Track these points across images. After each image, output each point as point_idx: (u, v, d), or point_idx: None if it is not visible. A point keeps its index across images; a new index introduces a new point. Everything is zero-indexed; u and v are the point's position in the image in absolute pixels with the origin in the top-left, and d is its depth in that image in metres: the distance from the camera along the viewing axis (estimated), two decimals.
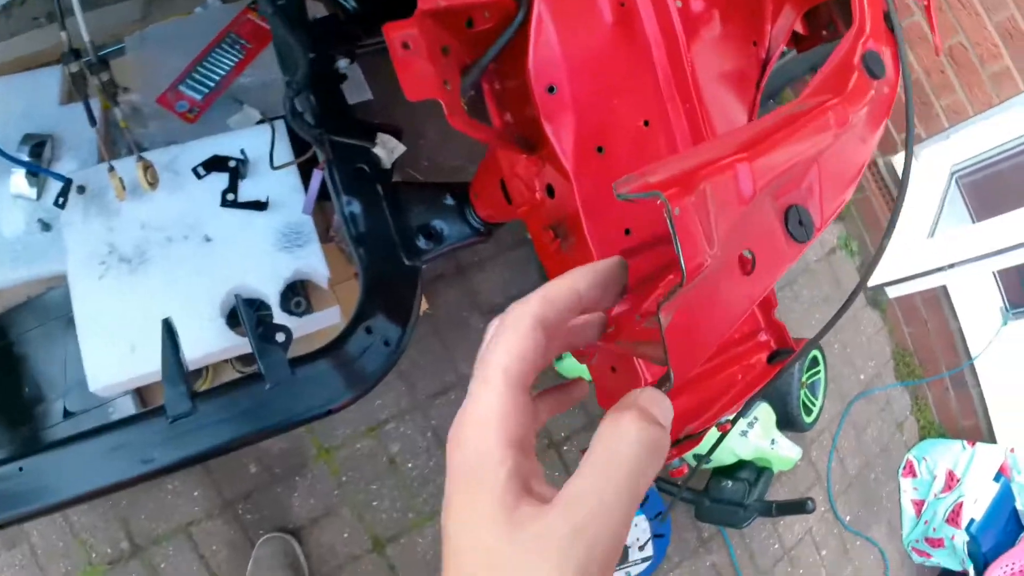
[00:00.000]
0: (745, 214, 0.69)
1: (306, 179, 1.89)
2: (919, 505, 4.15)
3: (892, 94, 1.03)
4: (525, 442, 0.56)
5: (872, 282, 4.07)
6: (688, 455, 3.16)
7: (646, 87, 1.14)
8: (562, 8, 1.09)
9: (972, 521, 3.85)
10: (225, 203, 1.93)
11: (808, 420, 3.56)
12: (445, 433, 0.66)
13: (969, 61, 3.57)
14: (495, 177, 1.42)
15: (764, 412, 3.33)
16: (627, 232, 1.10)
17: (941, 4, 3.48)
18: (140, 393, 2.11)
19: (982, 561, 3.86)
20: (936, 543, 4.00)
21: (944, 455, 4.15)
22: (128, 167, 1.83)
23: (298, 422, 1.58)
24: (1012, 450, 4.10)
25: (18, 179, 1.88)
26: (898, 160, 4.05)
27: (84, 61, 1.79)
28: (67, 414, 2.06)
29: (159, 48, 2.25)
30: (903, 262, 3.87)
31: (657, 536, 3.13)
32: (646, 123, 1.14)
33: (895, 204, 1.00)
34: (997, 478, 3.99)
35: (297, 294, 1.96)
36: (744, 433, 3.20)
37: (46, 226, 1.92)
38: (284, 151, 1.97)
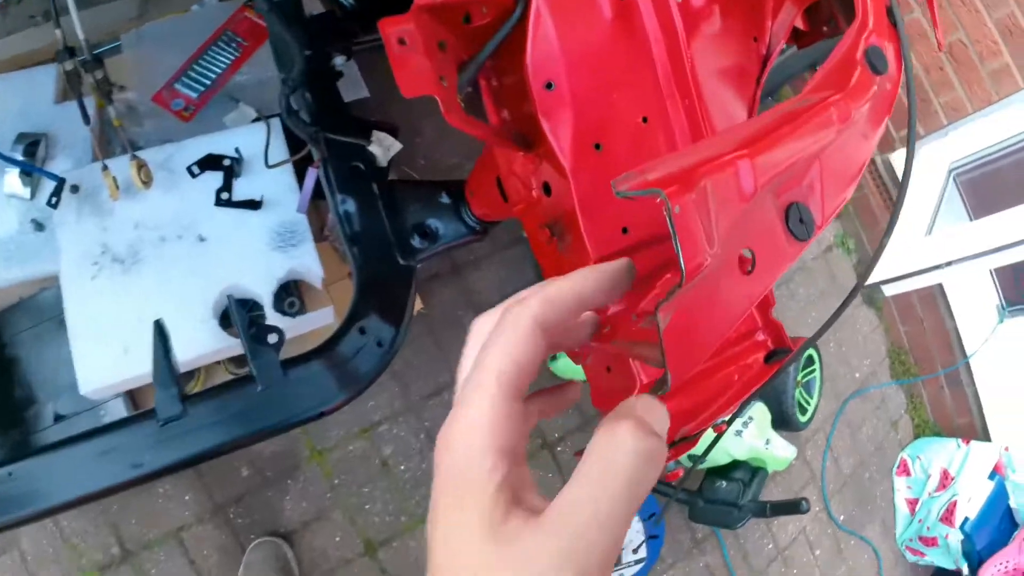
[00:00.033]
0: (746, 212, 0.68)
1: (301, 177, 1.88)
2: (913, 504, 4.16)
3: (894, 90, 1.01)
4: (517, 450, 0.54)
5: (868, 280, 4.07)
6: (683, 456, 3.16)
7: (645, 83, 1.13)
8: (561, 3, 1.07)
9: (966, 520, 3.86)
10: (219, 202, 1.91)
11: (803, 419, 3.56)
12: None
13: (968, 58, 3.56)
14: (491, 175, 1.40)
15: (759, 411, 3.33)
16: (624, 231, 1.08)
17: (941, 1, 3.48)
18: (132, 395, 2.10)
19: (976, 560, 3.87)
20: (930, 542, 4.01)
21: (938, 454, 4.16)
22: (122, 166, 1.82)
23: (290, 425, 1.57)
24: (1007, 448, 4.10)
25: (12, 178, 1.86)
26: (896, 158, 4.05)
27: (79, 59, 1.78)
28: (58, 417, 2.05)
29: (155, 46, 2.23)
30: (900, 260, 3.87)
31: (651, 537, 3.13)
32: (645, 120, 1.13)
33: (896, 203, 0.99)
34: (991, 476, 4.00)
35: (291, 294, 1.95)
36: (739, 433, 3.20)
37: (39, 226, 1.90)
38: (279, 149, 1.96)
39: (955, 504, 3.89)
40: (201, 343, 1.83)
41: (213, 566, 2.50)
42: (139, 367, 1.75)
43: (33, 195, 1.89)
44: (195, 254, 1.88)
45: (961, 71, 3.63)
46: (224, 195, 1.91)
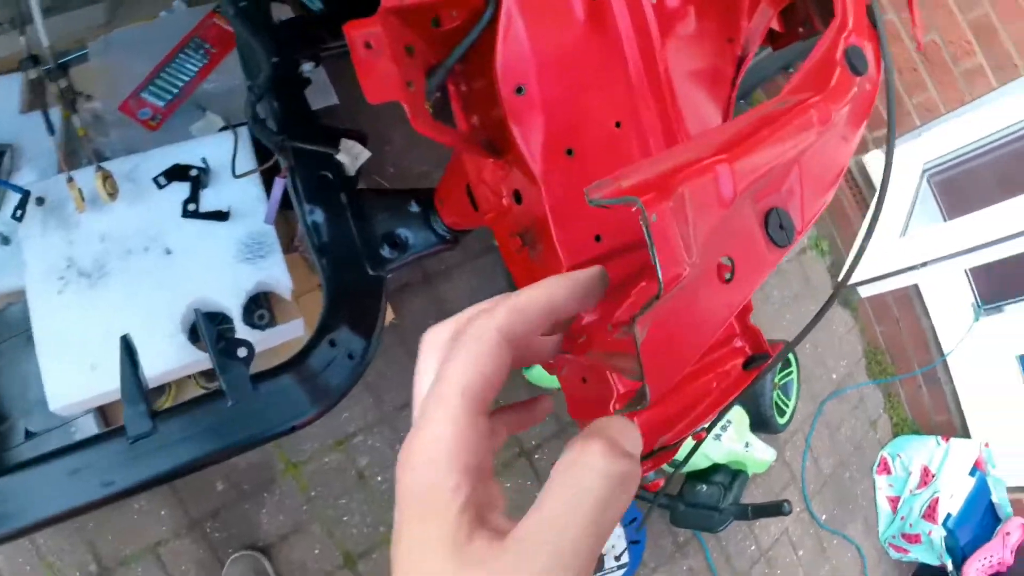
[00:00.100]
0: (724, 219, 0.65)
1: (269, 187, 1.85)
2: (895, 502, 4.17)
3: (874, 91, 1.00)
4: (482, 468, 0.51)
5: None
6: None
7: (618, 87, 1.10)
8: (532, 4, 1.05)
9: (949, 516, 3.89)
10: (186, 213, 1.89)
11: (781, 421, 3.57)
12: None
13: (942, 59, 3.58)
14: (461, 183, 1.38)
15: (737, 415, 3.33)
16: (597, 238, 1.06)
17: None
18: (103, 411, 2.06)
19: (960, 555, 3.91)
20: (913, 539, 4.03)
21: (919, 451, 4.19)
22: (88, 177, 1.79)
23: (261, 440, 1.54)
24: (987, 444, 4.13)
25: None
26: (870, 159, 4.06)
27: (43, 68, 1.75)
28: (29, 434, 2.01)
29: (123, 54, 2.21)
30: (875, 261, 3.87)
31: (632, 543, 3.11)
32: (618, 124, 1.10)
33: (876, 205, 0.97)
34: (972, 472, 4.04)
35: (260, 306, 1.92)
36: (718, 437, 3.20)
37: (5, 240, 1.87)
38: (247, 159, 1.93)
39: (937, 501, 3.91)
40: (170, 358, 1.81)
41: None
42: (108, 383, 1.73)
43: None
44: (162, 267, 1.85)
45: (934, 72, 3.64)
46: (191, 206, 1.89)
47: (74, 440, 1.54)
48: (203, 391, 2.17)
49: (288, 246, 2.09)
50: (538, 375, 2.83)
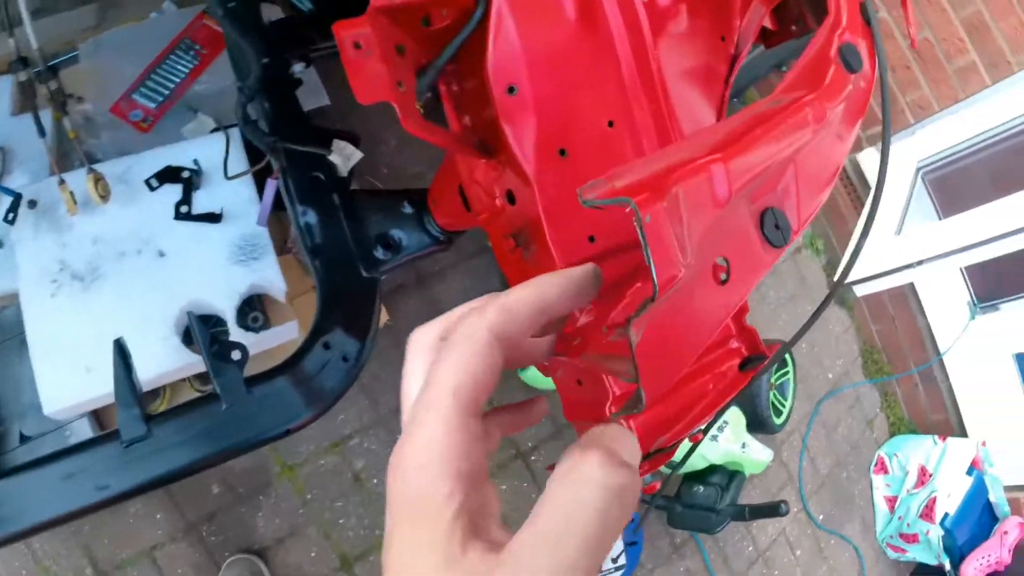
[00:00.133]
0: (719, 219, 0.65)
1: (261, 189, 1.84)
2: (892, 501, 4.17)
3: (869, 89, 0.99)
4: (476, 474, 0.49)
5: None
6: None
7: (610, 86, 1.10)
8: (522, 4, 1.04)
9: (946, 515, 3.89)
10: (179, 216, 1.88)
11: (778, 422, 3.57)
12: None
13: (935, 56, 3.58)
14: (453, 183, 1.37)
15: (734, 416, 3.33)
16: (591, 239, 1.05)
17: None
18: (97, 415, 2.06)
19: (958, 554, 3.92)
20: (911, 538, 4.03)
21: (916, 451, 4.19)
22: (79, 180, 1.78)
23: (256, 443, 1.53)
24: (984, 443, 4.14)
25: None
26: (864, 157, 4.06)
27: (32, 70, 1.74)
28: (23, 439, 2.00)
29: (113, 55, 2.20)
30: (870, 260, 3.88)
31: (630, 544, 3.11)
32: (611, 124, 1.09)
33: (872, 203, 0.97)
34: (970, 472, 4.04)
35: (254, 309, 1.92)
36: (714, 437, 3.20)
37: None
38: (239, 160, 1.92)
39: (935, 500, 3.91)
40: (164, 361, 1.80)
41: None
42: (102, 386, 1.71)
43: None
44: (155, 270, 1.84)
45: (928, 69, 3.65)
46: (183, 208, 1.88)
47: (69, 444, 1.53)
48: (198, 394, 2.16)
49: (282, 248, 2.08)
50: (534, 376, 2.82)
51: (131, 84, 2.14)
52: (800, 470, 3.93)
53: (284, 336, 2.02)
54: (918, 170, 4.02)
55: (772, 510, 2.91)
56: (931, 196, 4.10)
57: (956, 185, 4.05)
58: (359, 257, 1.70)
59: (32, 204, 1.83)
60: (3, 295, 1.90)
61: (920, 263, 3.69)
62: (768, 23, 1.36)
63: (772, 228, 0.75)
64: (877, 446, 4.36)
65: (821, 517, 3.98)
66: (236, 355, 1.51)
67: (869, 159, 4.06)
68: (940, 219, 4.05)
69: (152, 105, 2.13)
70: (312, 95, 2.47)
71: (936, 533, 3.87)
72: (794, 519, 3.88)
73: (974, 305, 4.14)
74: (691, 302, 0.64)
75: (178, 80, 2.17)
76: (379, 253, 1.72)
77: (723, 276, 0.68)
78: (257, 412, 1.53)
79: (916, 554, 4.10)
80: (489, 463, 0.53)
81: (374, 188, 2.74)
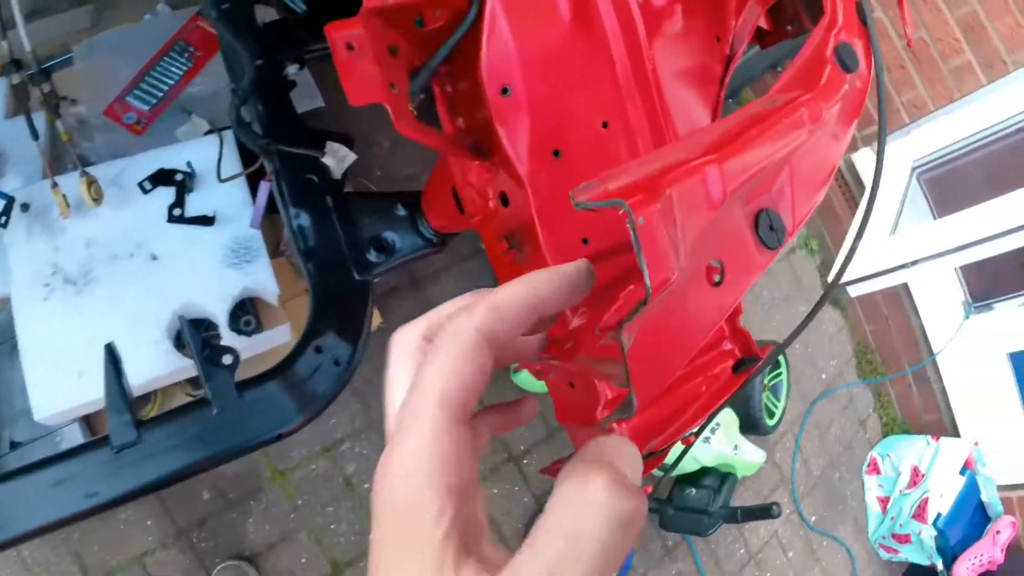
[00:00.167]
0: (714, 221, 0.64)
1: (255, 191, 1.84)
2: (884, 502, 4.18)
3: (865, 88, 0.99)
4: (466, 486, 0.46)
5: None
6: None
7: (605, 86, 1.09)
8: (517, 4, 1.03)
9: (939, 515, 3.90)
10: (172, 219, 1.87)
11: (771, 423, 3.57)
12: None
13: (930, 56, 3.58)
14: (447, 185, 1.37)
15: (727, 417, 3.32)
16: (585, 241, 1.05)
17: None
18: (88, 420, 2.05)
19: (950, 554, 3.92)
20: (903, 539, 4.04)
21: (908, 451, 4.19)
22: (72, 183, 1.77)
23: (248, 448, 1.52)
24: (976, 443, 4.14)
25: None
26: (859, 157, 4.07)
27: (26, 72, 1.74)
28: (14, 445, 2.00)
29: (107, 57, 2.19)
30: (864, 260, 3.88)
31: None
32: (605, 124, 1.09)
33: (868, 203, 0.96)
34: (962, 472, 4.05)
35: (246, 312, 1.91)
36: (707, 439, 3.19)
37: None
38: (232, 162, 1.92)
39: (927, 500, 3.91)
40: (155, 365, 1.79)
41: None
42: (93, 392, 1.70)
43: None
44: (148, 273, 1.83)
45: (923, 69, 3.65)
46: (176, 211, 1.87)
47: (60, 450, 1.52)
48: (190, 399, 2.16)
49: (274, 250, 2.07)
50: (526, 379, 2.81)
51: (125, 86, 2.13)
52: (793, 471, 3.93)
53: (276, 340, 2.01)
54: (913, 170, 4.02)
55: (764, 512, 2.90)
56: (926, 196, 4.10)
57: (951, 185, 4.05)
58: (352, 260, 1.69)
59: (25, 207, 1.82)
60: None
61: (914, 263, 3.69)
62: (763, 23, 1.36)
63: (767, 229, 0.75)
64: (870, 446, 4.37)
65: (813, 518, 3.98)
66: (227, 359, 1.50)
67: (864, 159, 4.06)
68: (935, 219, 4.05)
69: (146, 107, 2.13)
70: (306, 97, 2.46)
71: (928, 533, 3.88)
72: (787, 520, 3.88)
73: (968, 305, 4.14)
74: (684, 305, 0.63)
75: (172, 82, 2.16)
76: (372, 256, 1.72)
77: (717, 278, 0.67)
78: (248, 417, 1.52)
79: (909, 554, 4.10)
80: (479, 466, 0.51)
81: (368, 190, 2.74)
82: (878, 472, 4.26)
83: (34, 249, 1.82)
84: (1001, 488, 4.16)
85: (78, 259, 1.82)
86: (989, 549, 3.93)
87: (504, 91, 1.04)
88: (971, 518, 4.04)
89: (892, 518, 4.10)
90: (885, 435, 4.46)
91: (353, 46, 0.98)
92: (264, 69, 1.67)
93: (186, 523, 2.47)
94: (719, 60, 1.26)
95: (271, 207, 1.77)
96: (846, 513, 4.16)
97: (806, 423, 4.04)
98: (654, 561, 3.37)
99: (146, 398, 2.14)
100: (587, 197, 0.54)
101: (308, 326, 1.63)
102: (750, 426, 3.46)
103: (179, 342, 1.80)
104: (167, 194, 1.89)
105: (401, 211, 1.75)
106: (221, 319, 1.83)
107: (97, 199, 1.77)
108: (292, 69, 1.86)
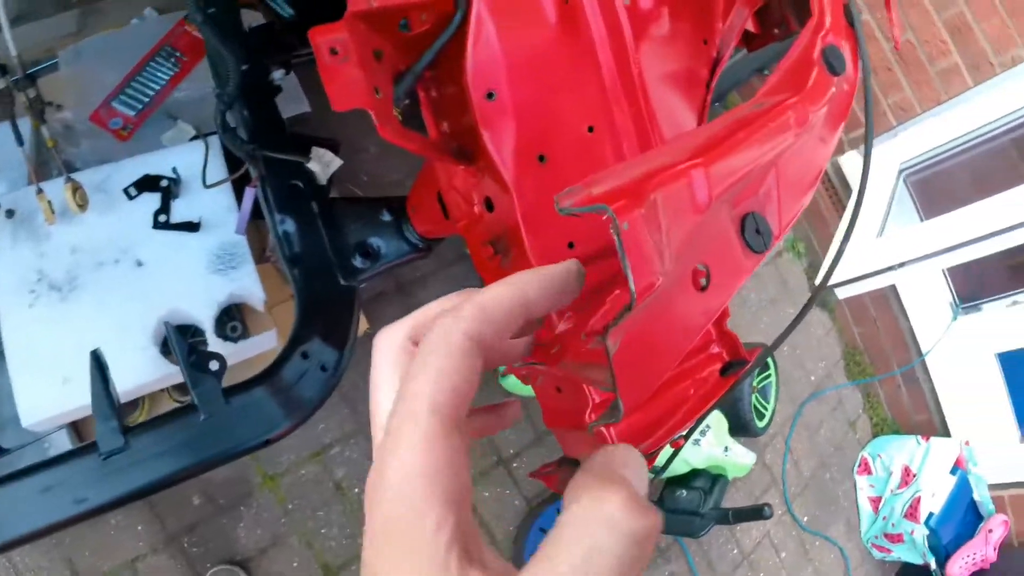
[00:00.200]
0: (699, 225, 0.64)
1: (241, 197, 1.83)
2: (876, 502, 4.18)
3: (852, 91, 0.98)
4: (464, 493, 0.44)
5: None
6: None
7: (591, 90, 1.09)
8: (503, 8, 1.03)
9: (931, 515, 3.91)
10: (157, 225, 1.87)
11: (761, 425, 3.56)
12: None
13: (917, 58, 3.59)
14: (432, 190, 1.36)
15: (716, 419, 3.32)
16: (571, 245, 1.04)
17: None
18: (76, 427, 2.04)
19: (943, 553, 3.93)
20: (896, 538, 4.04)
21: (899, 451, 4.20)
22: (57, 189, 1.77)
23: (236, 454, 1.52)
24: (967, 443, 4.15)
25: None
26: (845, 160, 4.07)
27: (11, 77, 1.73)
28: (1, 451, 1.99)
29: (93, 62, 2.19)
30: (852, 262, 3.88)
31: None
32: (591, 129, 1.08)
33: (855, 207, 0.96)
34: (953, 471, 4.06)
35: (233, 318, 1.90)
36: (697, 442, 3.19)
37: None
38: (218, 168, 1.91)
39: (919, 500, 3.92)
40: (142, 372, 1.79)
41: None
42: (80, 398, 1.70)
43: None
44: (133, 279, 1.83)
45: (910, 71, 3.65)
46: (162, 217, 1.87)
47: (48, 456, 1.51)
48: (177, 405, 2.15)
49: (260, 256, 2.07)
50: (514, 383, 2.81)
51: (111, 92, 2.12)
52: (784, 472, 3.93)
53: (263, 345, 2.01)
54: (900, 172, 4.03)
55: (756, 513, 2.90)
56: (913, 198, 4.11)
57: (938, 187, 4.06)
58: (338, 266, 1.69)
59: (10, 213, 1.82)
60: None
61: (902, 265, 3.70)
62: (750, 26, 1.35)
63: (753, 233, 0.74)
64: (860, 447, 4.37)
65: (805, 519, 3.98)
66: (214, 365, 1.49)
67: (851, 162, 4.07)
68: (922, 221, 4.06)
69: (132, 113, 2.12)
70: (292, 102, 2.46)
71: (921, 533, 3.88)
72: (779, 521, 3.88)
73: (956, 306, 4.15)
74: (670, 309, 0.63)
75: (158, 87, 2.15)
76: (358, 261, 1.71)
77: (703, 282, 0.67)
78: (236, 423, 1.52)
79: (901, 554, 4.11)
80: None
81: (354, 195, 2.73)
82: (869, 472, 4.27)
83: (19, 255, 1.81)
84: (992, 487, 4.17)
85: (63, 265, 1.82)
86: (982, 548, 3.94)
87: (489, 95, 1.03)
88: (963, 517, 4.05)
89: (884, 518, 4.11)
90: (875, 435, 4.46)
91: (337, 50, 0.97)
92: (250, 74, 1.67)
93: (177, 528, 2.46)
94: (706, 63, 1.26)
95: (256, 213, 1.77)
96: (838, 513, 4.16)
97: (796, 424, 4.04)
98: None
99: (134, 404, 2.13)
100: (571, 202, 0.53)
101: (294, 332, 1.63)
102: (740, 428, 3.46)
103: (165, 348, 1.80)
104: (152, 200, 1.89)
105: (387, 216, 1.75)
106: (207, 325, 1.83)
107: (82, 205, 1.76)
108: (278, 74, 1.86)
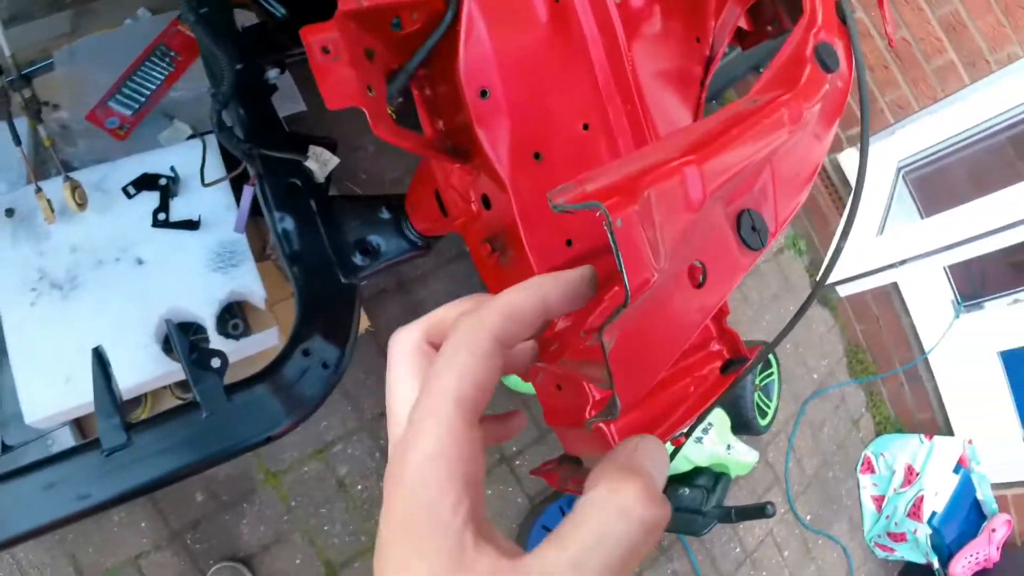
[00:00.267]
0: (694, 222, 0.64)
1: (239, 195, 1.83)
2: (879, 501, 4.18)
3: (846, 88, 0.98)
4: (479, 481, 0.48)
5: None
6: None
7: (584, 88, 1.09)
8: (493, 7, 1.03)
9: (934, 514, 3.90)
10: (156, 223, 1.87)
11: (763, 423, 3.56)
12: None
13: (913, 56, 3.59)
14: (429, 188, 1.36)
15: (718, 417, 3.31)
16: (568, 243, 1.05)
17: None
18: (79, 424, 2.04)
19: (946, 552, 3.92)
20: (899, 537, 4.03)
21: (902, 450, 4.19)
22: (56, 188, 1.77)
23: (237, 451, 1.52)
24: (970, 441, 4.15)
25: None
26: (844, 158, 4.07)
27: (6, 78, 1.73)
28: (5, 448, 1.99)
29: (88, 62, 2.19)
30: (853, 261, 3.88)
31: None
32: (586, 126, 1.09)
33: (852, 203, 0.96)
34: (956, 470, 4.05)
35: (234, 316, 1.91)
36: (699, 440, 3.18)
37: None
38: (216, 167, 1.92)
39: (922, 499, 3.91)
40: (144, 369, 1.79)
41: None
42: (83, 395, 1.71)
43: None
44: (134, 277, 1.83)
45: (906, 69, 3.65)
46: (161, 216, 1.87)
47: (51, 453, 1.52)
48: (179, 402, 2.15)
49: (261, 254, 2.07)
50: (516, 381, 2.81)
51: (107, 91, 2.12)
52: (786, 471, 3.93)
53: (264, 343, 2.01)
54: (899, 170, 4.03)
55: (759, 511, 2.89)
56: (913, 196, 4.11)
57: (937, 184, 4.06)
58: (337, 263, 1.69)
59: (9, 213, 1.82)
60: None
61: (903, 263, 3.69)
62: (743, 24, 1.35)
63: (749, 230, 0.74)
64: (863, 446, 4.37)
65: (808, 517, 3.98)
66: (215, 363, 1.49)
67: (850, 159, 4.06)
68: (922, 218, 4.06)
69: (128, 112, 2.12)
70: (288, 101, 2.46)
71: (924, 532, 3.87)
72: (781, 520, 3.87)
73: (958, 304, 4.15)
74: (667, 306, 0.63)
75: (154, 87, 2.15)
76: (357, 259, 1.71)
77: (699, 279, 0.67)
78: (237, 420, 1.52)
79: (904, 553, 4.10)
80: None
81: (353, 193, 2.73)
82: (872, 471, 4.26)
83: (20, 255, 1.82)
84: (995, 486, 4.16)
85: (64, 264, 1.83)
86: (985, 547, 3.94)
87: (483, 94, 1.03)
88: (966, 516, 4.04)
89: (887, 517, 4.10)
90: (878, 434, 4.46)
91: (329, 49, 0.97)
92: (244, 73, 1.66)
93: (180, 525, 2.47)
94: (699, 61, 1.26)
95: (256, 210, 1.76)
96: (841, 512, 4.16)
97: (799, 423, 4.03)
98: (649, 560, 3.36)
99: (136, 401, 2.13)
100: (565, 199, 0.53)
101: (295, 329, 1.63)
102: (742, 426, 3.45)
103: (167, 346, 1.80)
104: (151, 199, 1.89)
105: (385, 214, 1.75)
106: (209, 323, 1.84)
107: (82, 204, 1.77)
108: (273, 73, 1.86)
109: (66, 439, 2.01)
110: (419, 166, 1.47)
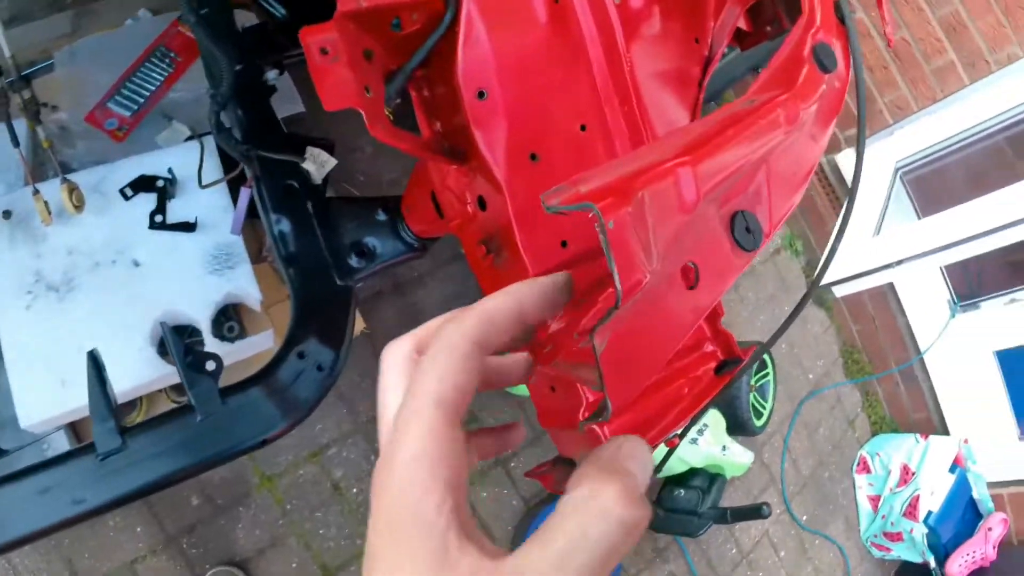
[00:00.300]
0: (687, 224, 0.64)
1: (236, 197, 1.83)
2: (875, 500, 4.18)
3: (843, 89, 0.98)
4: (461, 481, 0.49)
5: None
6: None
7: (582, 89, 1.09)
8: (493, 7, 1.03)
9: (930, 513, 3.90)
10: (153, 225, 1.87)
11: (759, 424, 3.56)
12: None
13: (913, 56, 3.59)
14: (426, 190, 1.37)
15: (714, 418, 3.32)
16: (563, 244, 1.05)
17: None
18: (74, 428, 2.04)
19: (943, 552, 3.93)
20: (895, 537, 4.04)
21: (898, 449, 4.20)
22: (54, 190, 1.77)
23: (232, 454, 1.52)
24: (966, 441, 4.15)
25: None
26: (842, 158, 4.07)
27: (5, 79, 1.73)
28: (1, 452, 1.99)
29: (88, 63, 2.18)
30: (849, 261, 3.88)
31: None
32: (583, 128, 1.09)
33: (848, 204, 0.96)
34: (952, 469, 4.05)
35: (230, 318, 1.90)
36: (694, 441, 3.18)
37: None
38: (213, 168, 1.91)
39: (918, 498, 3.92)
40: (139, 372, 1.79)
41: None
42: (78, 399, 1.70)
43: None
44: (130, 280, 1.83)
45: (905, 69, 3.65)
46: (158, 218, 1.86)
47: (46, 457, 1.51)
48: (174, 405, 2.15)
49: (257, 256, 2.07)
50: None
51: (106, 92, 2.12)
52: (782, 471, 3.93)
53: (260, 345, 2.01)
54: (896, 170, 4.03)
55: (754, 512, 2.90)
56: (910, 196, 4.11)
57: (935, 185, 4.06)
58: (333, 265, 1.69)
59: (6, 214, 1.82)
60: None
61: (899, 263, 3.69)
62: (742, 24, 1.35)
63: (743, 231, 0.74)
64: (859, 446, 4.37)
65: (804, 518, 3.98)
66: (210, 366, 1.49)
67: (848, 160, 4.07)
68: (919, 219, 4.06)
69: (127, 113, 2.11)
70: (287, 102, 2.45)
71: (920, 531, 3.88)
72: (777, 520, 3.88)
73: (954, 304, 4.15)
74: (660, 307, 0.63)
75: (153, 88, 2.14)
76: (354, 261, 1.71)
77: (693, 280, 0.67)
78: (232, 423, 1.52)
79: (901, 552, 4.11)
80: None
81: (350, 195, 2.73)
82: (868, 471, 4.27)
83: (16, 256, 1.81)
84: (991, 485, 4.17)
85: (60, 266, 1.82)
86: (981, 546, 3.94)
87: (480, 95, 1.03)
88: (962, 515, 4.05)
89: (883, 516, 4.11)
90: (874, 434, 4.46)
91: (327, 50, 0.97)
92: (243, 74, 1.66)
93: (176, 529, 2.46)
94: (697, 62, 1.26)
95: (253, 213, 1.76)
96: (837, 512, 4.16)
97: (794, 423, 4.04)
98: (645, 562, 3.36)
99: (132, 404, 2.13)
100: (558, 200, 0.54)
101: (290, 332, 1.62)
102: (738, 427, 3.45)
103: (162, 349, 1.80)
104: (149, 200, 1.88)
105: (382, 216, 1.75)
106: (204, 325, 1.83)
107: (79, 206, 1.77)
108: (272, 74, 1.85)
109: (61, 443, 2.01)
110: (415, 168, 1.47)
